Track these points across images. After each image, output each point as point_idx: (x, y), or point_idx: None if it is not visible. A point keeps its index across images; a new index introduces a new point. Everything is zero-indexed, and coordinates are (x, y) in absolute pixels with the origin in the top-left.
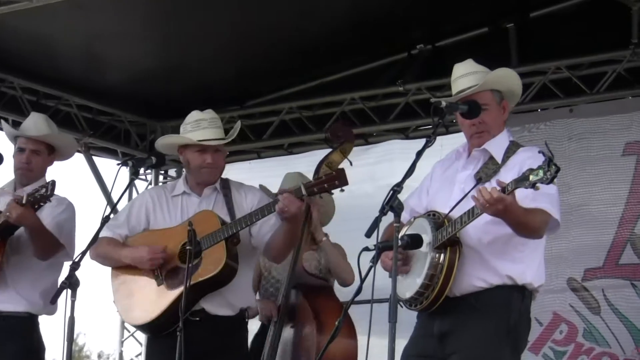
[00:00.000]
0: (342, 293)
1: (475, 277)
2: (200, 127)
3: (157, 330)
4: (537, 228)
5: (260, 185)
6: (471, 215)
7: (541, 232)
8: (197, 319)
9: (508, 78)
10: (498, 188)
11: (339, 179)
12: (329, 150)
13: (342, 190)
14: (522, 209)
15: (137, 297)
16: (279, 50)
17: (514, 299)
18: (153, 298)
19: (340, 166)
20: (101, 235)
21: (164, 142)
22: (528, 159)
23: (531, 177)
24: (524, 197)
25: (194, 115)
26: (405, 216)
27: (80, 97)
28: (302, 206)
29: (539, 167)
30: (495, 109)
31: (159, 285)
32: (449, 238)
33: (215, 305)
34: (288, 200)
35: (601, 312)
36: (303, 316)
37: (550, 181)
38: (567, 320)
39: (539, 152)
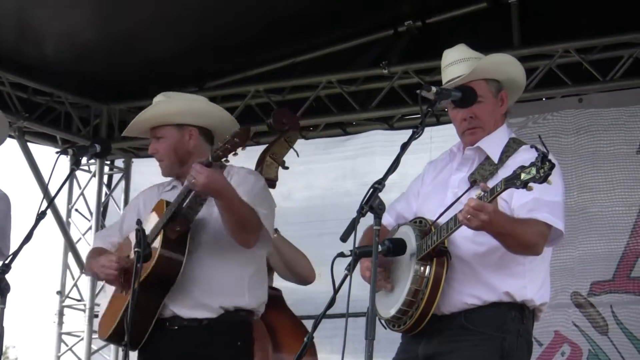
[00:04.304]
0: (315, 305)
1: (466, 294)
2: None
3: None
4: (530, 242)
5: None
6: (457, 221)
7: (538, 248)
8: (175, 327)
9: (505, 65)
10: (482, 193)
11: (240, 137)
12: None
13: (243, 149)
14: (509, 218)
15: (107, 308)
16: (245, 23)
17: (510, 319)
18: (115, 308)
19: (286, 157)
20: (92, 245)
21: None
22: (528, 160)
23: (523, 176)
24: (521, 207)
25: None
26: (390, 222)
27: (14, 73)
28: (214, 175)
29: (532, 164)
30: (491, 102)
31: (121, 292)
32: (434, 248)
33: (185, 307)
34: (195, 171)
35: (609, 331)
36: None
37: (544, 179)
38: (570, 341)
39: (531, 146)
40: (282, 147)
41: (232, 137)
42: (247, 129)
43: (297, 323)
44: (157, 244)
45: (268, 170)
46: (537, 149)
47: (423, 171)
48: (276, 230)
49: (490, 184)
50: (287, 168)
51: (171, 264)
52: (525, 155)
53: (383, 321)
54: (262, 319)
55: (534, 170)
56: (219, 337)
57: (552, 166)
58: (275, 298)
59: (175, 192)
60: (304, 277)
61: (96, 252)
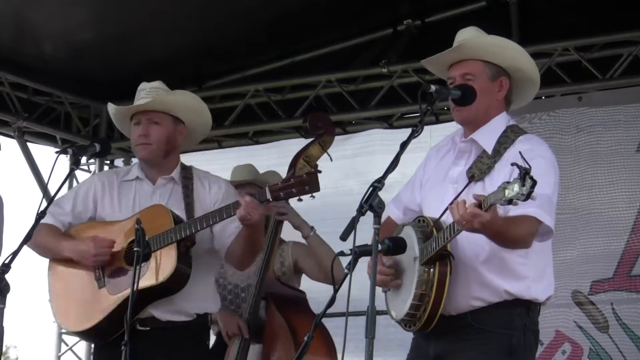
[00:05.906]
0: (316, 304)
1: (471, 297)
2: (138, 97)
3: (97, 339)
4: (520, 240)
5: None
6: (453, 231)
7: (527, 243)
8: (147, 328)
9: (508, 50)
10: (474, 202)
11: (310, 184)
12: (302, 139)
13: (313, 197)
14: (503, 221)
15: (74, 299)
16: (244, 22)
17: (516, 315)
18: (92, 302)
19: (319, 161)
20: (42, 221)
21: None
22: (523, 153)
23: (506, 192)
24: None
25: (140, 86)
26: (397, 214)
27: (13, 73)
28: (265, 213)
29: (514, 181)
30: (483, 83)
31: (100, 287)
32: (437, 252)
33: (166, 312)
34: (251, 207)
35: (609, 329)
36: (276, 333)
37: (527, 197)
38: (571, 339)
39: (512, 164)
40: (316, 151)
41: (301, 182)
42: (316, 176)
43: (319, 325)
44: (171, 257)
45: (300, 173)
46: (518, 167)
47: (425, 158)
48: (312, 228)
49: (487, 179)
50: (320, 172)
51: (181, 278)
52: (522, 146)
53: (396, 322)
54: (285, 319)
55: (516, 187)
56: (192, 338)
57: (534, 184)
58: (300, 300)
59: (139, 185)
60: (337, 278)
61: (52, 231)
